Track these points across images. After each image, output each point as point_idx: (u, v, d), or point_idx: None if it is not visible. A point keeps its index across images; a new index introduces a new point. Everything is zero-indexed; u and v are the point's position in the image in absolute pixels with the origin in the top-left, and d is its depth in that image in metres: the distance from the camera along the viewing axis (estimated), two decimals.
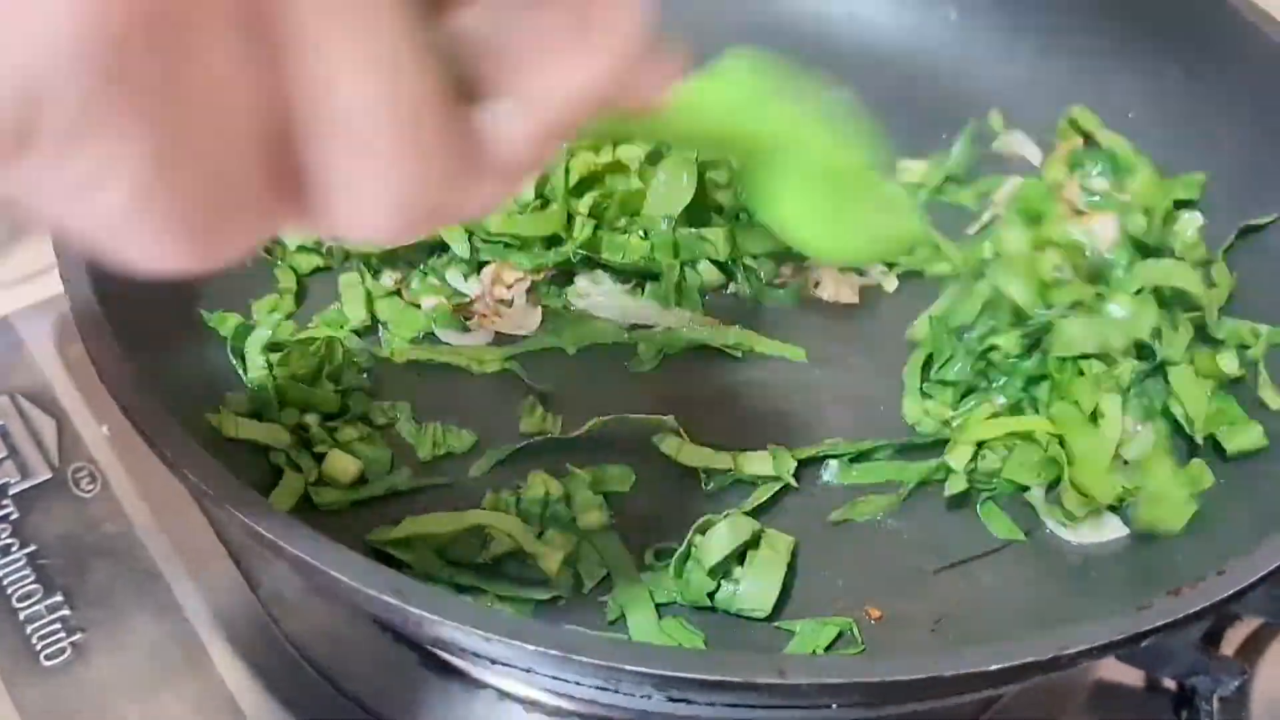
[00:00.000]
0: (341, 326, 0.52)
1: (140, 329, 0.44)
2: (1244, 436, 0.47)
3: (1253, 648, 0.56)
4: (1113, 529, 0.47)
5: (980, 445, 0.48)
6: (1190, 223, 0.56)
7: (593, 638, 0.33)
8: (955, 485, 0.48)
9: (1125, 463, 0.48)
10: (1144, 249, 0.54)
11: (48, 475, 0.59)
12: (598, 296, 0.54)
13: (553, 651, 0.32)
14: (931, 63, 0.67)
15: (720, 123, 0.38)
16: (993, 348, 0.51)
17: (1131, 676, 0.55)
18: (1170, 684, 0.55)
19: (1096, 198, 0.57)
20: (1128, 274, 0.52)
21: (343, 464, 0.47)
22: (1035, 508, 0.48)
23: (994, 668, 0.33)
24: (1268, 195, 0.55)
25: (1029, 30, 0.66)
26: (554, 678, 0.34)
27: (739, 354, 0.53)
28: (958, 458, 0.47)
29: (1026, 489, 0.48)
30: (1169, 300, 0.51)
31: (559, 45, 0.24)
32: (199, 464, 0.36)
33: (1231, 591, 0.35)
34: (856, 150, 0.44)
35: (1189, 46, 0.59)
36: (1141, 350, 0.50)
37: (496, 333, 0.54)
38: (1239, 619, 0.56)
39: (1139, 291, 0.51)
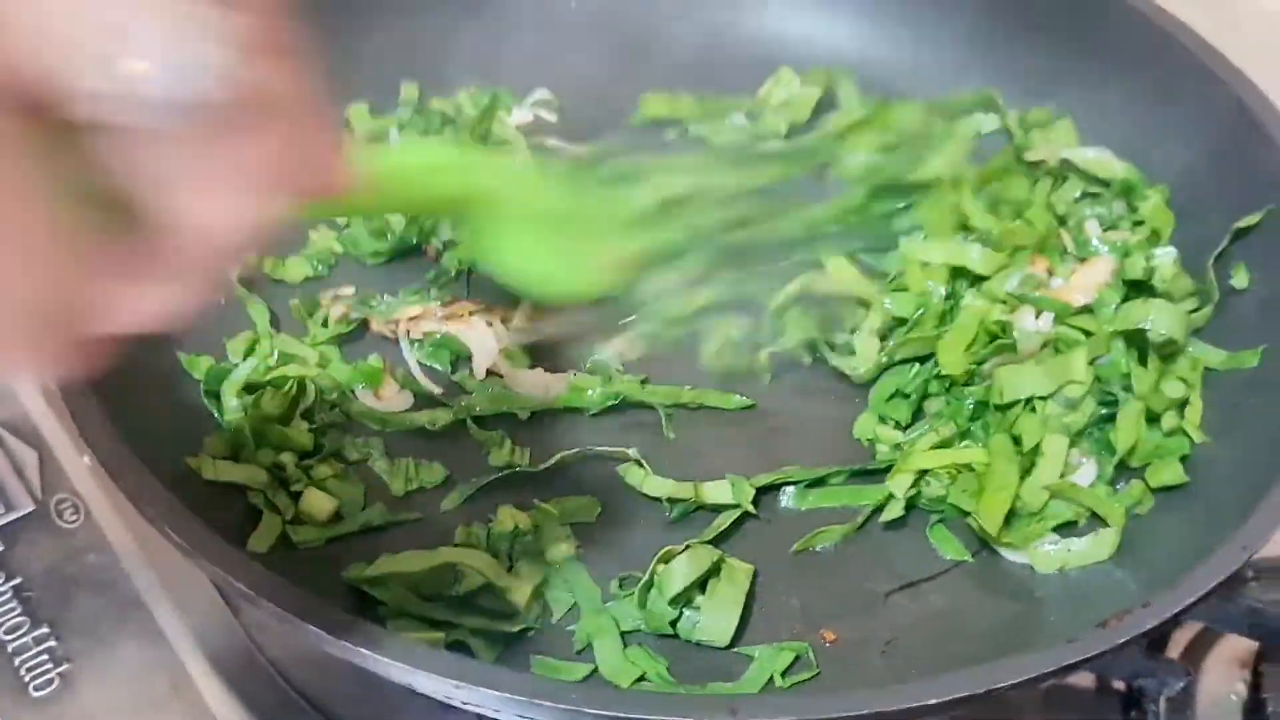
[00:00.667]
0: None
1: (117, 375, 0.45)
2: (1166, 472, 0.49)
3: (1197, 650, 0.59)
4: (1054, 551, 0.49)
5: (923, 473, 0.50)
6: (1166, 258, 0.56)
7: (556, 683, 0.35)
8: (892, 511, 0.50)
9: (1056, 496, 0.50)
10: (1136, 288, 0.55)
11: (31, 508, 0.59)
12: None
13: (519, 697, 0.34)
14: (886, 82, 0.69)
15: (424, 185, 0.41)
16: (938, 375, 0.53)
17: (1083, 678, 0.58)
18: (1120, 685, 0.58)
19: (1095, 242, 0.57)
20: (1115, 316, 0.53)
21: (318, 502, 0.49)
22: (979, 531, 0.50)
23: (933, 701, 0.35)
24: (1208, 214, 0.57)
25: (980, 49, 0.67)
26: (521, 717, 0.36)
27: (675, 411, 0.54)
28: (899, 484, 0.50)
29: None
30: (1148, 340, 0.52)
31: (214, 177, 0.26)
32: (178, 520, 0.38)
33: (1155, 623, 0.37)
34: (561, 189, 0.47)
35: (1134, 68, 0.61)
36: (1106, 390, 0.52)
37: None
38: (1181, 624, 0.59)
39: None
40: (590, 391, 0.54)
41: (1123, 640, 0.37)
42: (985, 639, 0.46)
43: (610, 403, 0.54)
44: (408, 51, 0.65)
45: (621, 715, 0.34)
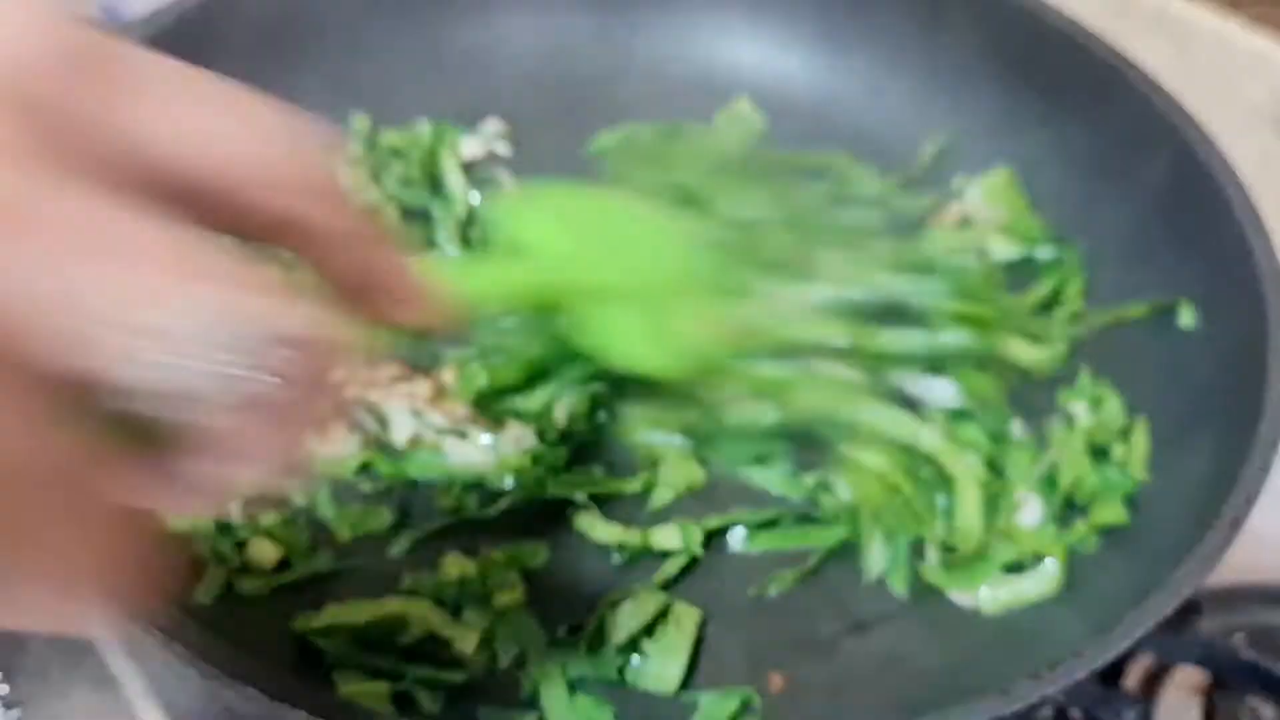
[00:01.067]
0: None
1: None
2: (1108, 512, 0.50)
3: (1154, 679, 0.59)
4: (1000, 592, 0.49)
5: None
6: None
7: None
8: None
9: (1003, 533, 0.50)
10: None
11: None
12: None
13: None
14: (841, 110, 0.69)
15: (525, 288, 0.41)
16: None
17: (1043, 709, 0.58)
18: (1077, 715, 0.58)
19: None
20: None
21: (263, 550, 0.49)
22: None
23: None
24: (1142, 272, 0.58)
25: (930, 78, 0.67)
26: None
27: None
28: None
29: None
30: None
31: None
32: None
33: (1088, 671, 0.38)
34: (664, 261, 0.46)
35: (1084, 108, 0.61)
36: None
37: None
38: (1134, 657, 0.59)
39: None
40: (505, 479, 0.52)
41: (1054, 689, 0.37)
42: (933, 681, 0.46)
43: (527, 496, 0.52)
44: (352, 87, 0.65)
45: None
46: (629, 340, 0.45)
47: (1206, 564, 0.41)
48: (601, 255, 0.46)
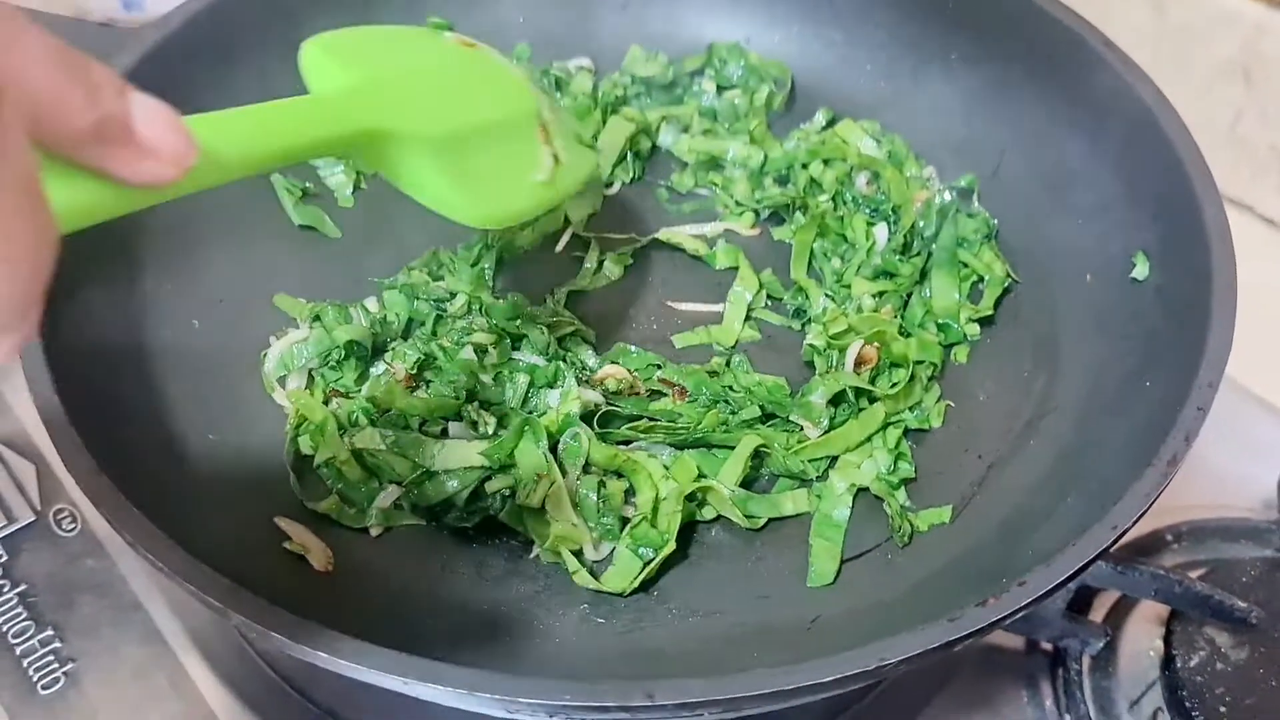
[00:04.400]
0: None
1: (95, 404, 0.49)
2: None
3: (1119, 612, 0.63)
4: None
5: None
6: None
7: (492, 675, 0.39)
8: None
9: None
10: None
11: (31, 518, 0.64)
12: None
13: (459, 689, 0.39)
14: (820, 81, 0.73)
15: (328, 130, 0.39)
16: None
17: (1013, 639, 0.62)
18: (1047, 646, 0.62)
19: None
20: None
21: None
22: (891, 515, 0.54)
23: (827, 679, 0.39)
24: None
25: (908, 51, 0.70)
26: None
27: None
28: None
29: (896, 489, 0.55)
30: None
31: None
32: (157, 546, 0.42)
33: (1030, 599, 0.41)
34: (477, 104, 0.45)
35: (1055, 74, 0.63)
36: None
37: None
38: (1102, 590, 0.63)
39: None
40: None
41: (999, 617, 0.41)
42: (903, 612, 0.50)
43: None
44: None
45: (551, 702, 0.38)
46: (438, 185, 0.43)
47: (1144, 500, 0.44)
48: (406, 95, 0.43)
